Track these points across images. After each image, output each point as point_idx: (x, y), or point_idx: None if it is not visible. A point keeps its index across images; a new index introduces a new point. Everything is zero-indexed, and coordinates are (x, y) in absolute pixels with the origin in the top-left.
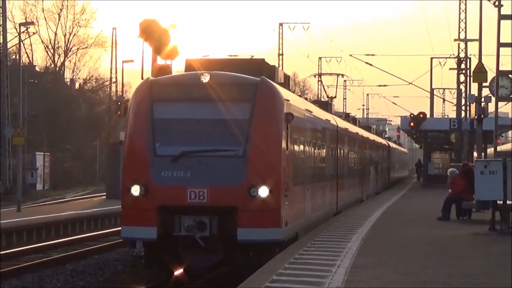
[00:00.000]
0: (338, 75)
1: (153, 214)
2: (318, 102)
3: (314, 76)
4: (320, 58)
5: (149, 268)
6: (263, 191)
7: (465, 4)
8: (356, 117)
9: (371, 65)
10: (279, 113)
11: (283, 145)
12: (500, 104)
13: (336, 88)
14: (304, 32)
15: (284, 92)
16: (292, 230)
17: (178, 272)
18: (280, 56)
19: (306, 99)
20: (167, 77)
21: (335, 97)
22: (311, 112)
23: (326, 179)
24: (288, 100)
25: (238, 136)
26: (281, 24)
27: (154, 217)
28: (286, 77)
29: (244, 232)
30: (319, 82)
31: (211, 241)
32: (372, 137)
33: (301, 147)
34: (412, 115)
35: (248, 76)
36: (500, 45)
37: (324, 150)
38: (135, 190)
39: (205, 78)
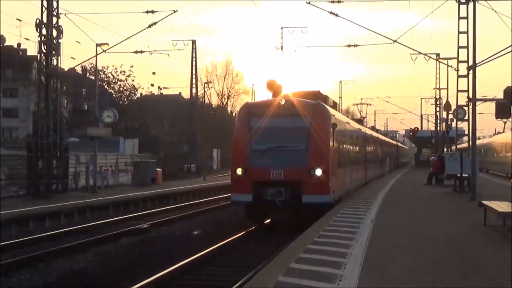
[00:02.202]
0: (367, 104)
1: (250, 186)
2: (354, 119)
3: (353, 104)
4: (361, 98)
5: (248, 219)
6: (318, 172)
7: (439, 69)
8: (380, 129)
9: (388, 102)
10: (328, 123)
11: (331, 143)
12: (459, 123)
13: (367, 111)
14: (353, 85)
15: (331, 111)
16: (337, 195)
17: (266, 221)
18: (340, 98)
19: (347, 117)
20: (258, 102)
21: (365, 117)
22: (349, 123)
23: (359, 164)
24: (334, 115)
25: (302, 138)
26: (340, 81)
27: (250, 188)
28: (334, 103)
29: (306, 197)
30: (360, 111)
31: (285, 203)
32: (387, 139)
33: (342, 144)
34: (410, 129)
35: (309, 100)
36: (458, 91)
37: (357, 146)
38: (239, 171)
39: (282, 102)
